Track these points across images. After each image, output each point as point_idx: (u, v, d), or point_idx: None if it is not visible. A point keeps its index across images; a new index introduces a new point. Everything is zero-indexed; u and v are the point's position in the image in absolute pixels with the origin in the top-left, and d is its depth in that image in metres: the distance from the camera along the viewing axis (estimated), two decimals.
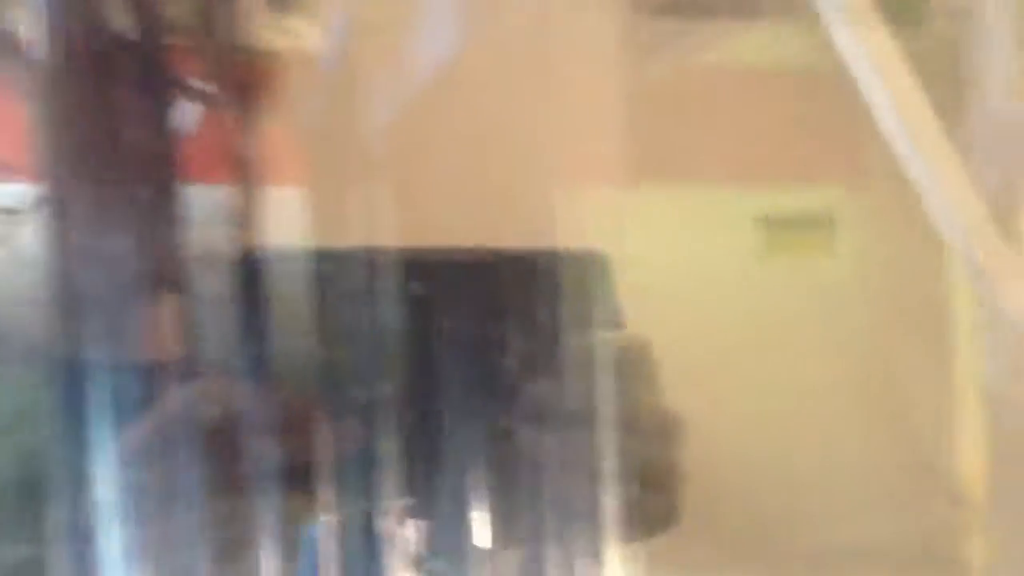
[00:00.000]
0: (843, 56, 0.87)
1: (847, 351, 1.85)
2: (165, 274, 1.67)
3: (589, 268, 0.87)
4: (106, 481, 0.81)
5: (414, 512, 0.81)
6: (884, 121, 0.87)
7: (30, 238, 1.47)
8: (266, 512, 0.79)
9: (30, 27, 1.49)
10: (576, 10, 1.29)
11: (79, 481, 0.85)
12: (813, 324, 1.71)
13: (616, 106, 1.30)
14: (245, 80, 1.86)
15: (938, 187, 0.85)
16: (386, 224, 1.06)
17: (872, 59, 0.83)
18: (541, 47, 1.33)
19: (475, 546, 0.80)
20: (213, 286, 0.97)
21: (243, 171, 1.30)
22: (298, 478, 0.79)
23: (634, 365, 0.93)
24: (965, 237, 0.86)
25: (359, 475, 0.80)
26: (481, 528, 0.80)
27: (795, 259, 1.85)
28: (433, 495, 0.82)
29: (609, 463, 0.77)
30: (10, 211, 1.88)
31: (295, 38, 1.92)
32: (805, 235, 1.85)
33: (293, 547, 0.80)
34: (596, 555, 0.88)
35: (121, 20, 1.64)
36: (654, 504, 0.90)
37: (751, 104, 1.38)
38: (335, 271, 0.90)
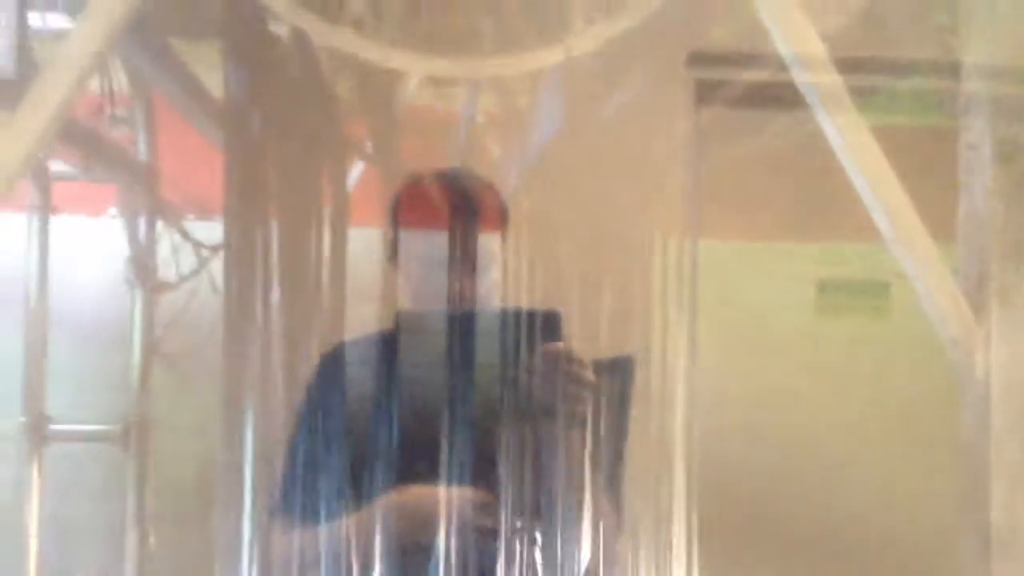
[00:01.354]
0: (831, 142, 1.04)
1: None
2: (328, 312, 2.00)
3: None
4: None
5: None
6: (868, 204, 1.03)
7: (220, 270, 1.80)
8: None
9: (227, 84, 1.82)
10: (653, 104, 1.51)
11: None
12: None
13: (684, 177, 1.51)
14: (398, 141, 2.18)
15: (915, 268, 1.00)
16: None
17: (850, 147, 0.99)
18: (629, 133, 1.57)
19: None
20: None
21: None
22: None
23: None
24: (940, 312, 1.01)
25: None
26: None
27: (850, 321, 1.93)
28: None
29: None
30: (203, 245, 2.31)
31: (447, 99, 2.25)
32: (860, 298, 1.92)
33: None
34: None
35: (302, 84, 1.98)
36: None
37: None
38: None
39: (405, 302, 1.26)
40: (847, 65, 1.08)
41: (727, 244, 2.38)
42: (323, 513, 1.12)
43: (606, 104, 1.63)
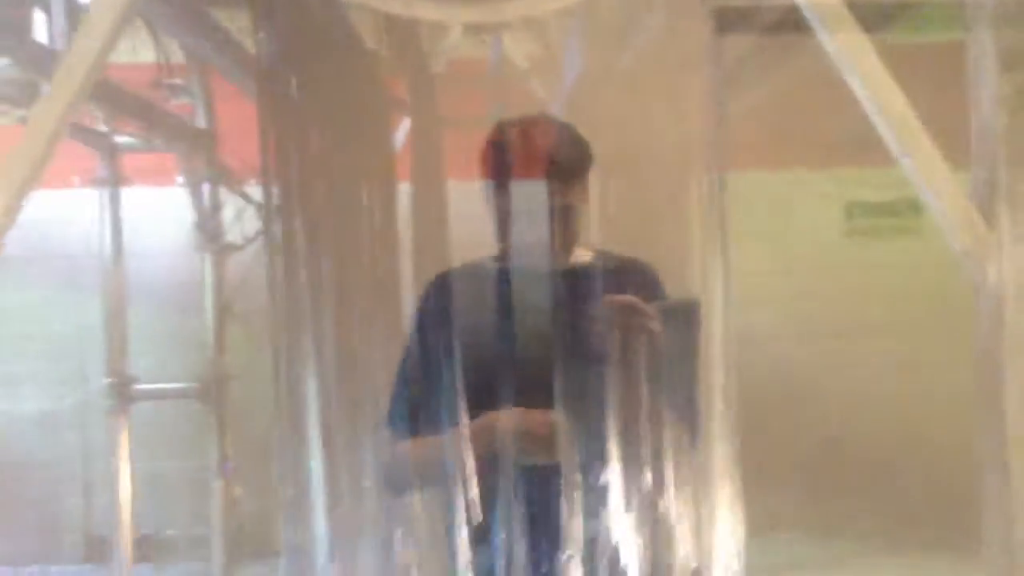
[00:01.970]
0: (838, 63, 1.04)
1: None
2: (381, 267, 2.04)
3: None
4: None
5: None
6: (875, 122, 1.04)
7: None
8: None
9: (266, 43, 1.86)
10: (675, 37, 1.53)
11: None
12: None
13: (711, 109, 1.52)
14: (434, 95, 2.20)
15: (924, 181, 1.01)
16: None
17: (855, 66, 1.00)
18: (655, 69, 1.59)
19: None
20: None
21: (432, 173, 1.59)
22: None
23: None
24: (951, 222, 1.02)
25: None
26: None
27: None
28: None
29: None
30: (260, 206, 2.33)
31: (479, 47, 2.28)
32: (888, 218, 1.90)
33: None
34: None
35: (345, 44, 2.04)
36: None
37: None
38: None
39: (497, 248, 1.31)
40: None
41: (761, 174, 2.38)
42: (428, 428, 1.21)
43: (630, 42, 1.64)
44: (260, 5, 1.56)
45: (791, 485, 2.68)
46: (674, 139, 1.51)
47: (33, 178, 1.11)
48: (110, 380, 2.77)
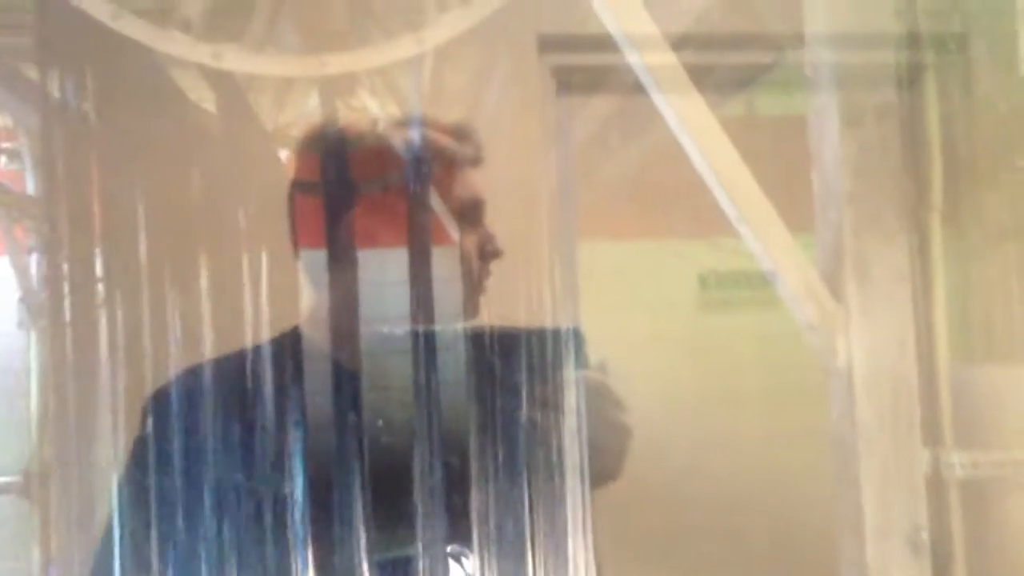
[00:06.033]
0: (673, 127, 0.95)
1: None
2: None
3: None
4: None
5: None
6: (713, 188, 0.95)
7: None
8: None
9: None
10: (517, 97, 1.43)
11: None
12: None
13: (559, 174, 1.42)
14: None
15: (766, 250, 0.92)
16: None
17: (692, 130, 0.91)
18: (497, 130, 1.48)
19: None
20: None
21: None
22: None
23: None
24: (796, 296, 0.93)
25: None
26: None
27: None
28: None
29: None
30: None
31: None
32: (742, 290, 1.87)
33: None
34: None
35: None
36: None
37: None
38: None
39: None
40: (686, 43, 1.00)
41: (617, 244, 2.33)
42: None
43: (477, 101, 1.55)
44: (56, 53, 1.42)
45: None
46: (520, 205, 1.42)
47: None
48: None
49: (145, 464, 0.98)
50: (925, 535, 0.96)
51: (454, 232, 1.15)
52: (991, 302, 1.59)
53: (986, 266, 1.66)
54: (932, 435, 1.11)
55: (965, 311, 1.66)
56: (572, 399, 0.97)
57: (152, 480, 0.97)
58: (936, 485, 1.10)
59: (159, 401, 1.00)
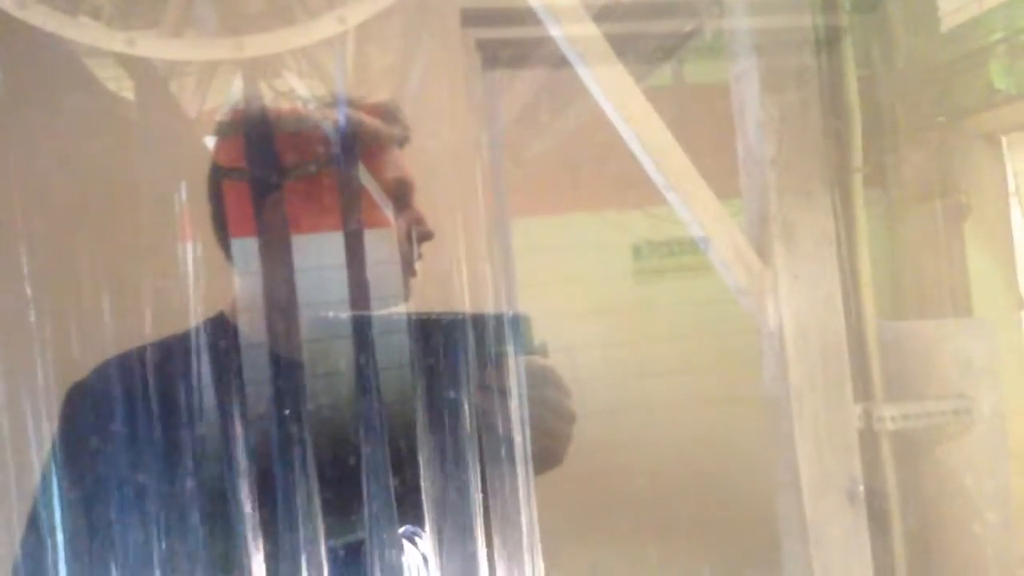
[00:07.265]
0: (599, 99, 0.95)
1: None
2: None
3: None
4: None
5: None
6: (640, 159, 0.95)
7: None
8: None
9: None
10: (443, 72, 1.42)
11: None
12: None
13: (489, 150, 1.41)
14: None
15: (694, 217, 0.93)
16: None
17: (617, 101, 0.91)
18: (425, 107, 1.47)
19: None
20: None
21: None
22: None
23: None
24: (726, 261, 0.94)
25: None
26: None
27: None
28: None
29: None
30: None
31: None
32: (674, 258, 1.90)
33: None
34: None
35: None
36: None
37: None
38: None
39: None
40: (607, 14, 0.99)
41: (551, 218, 2.34)
42: None
43: (403, 78, 1.53)
44: None
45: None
46: (450, 182, 1.41)
47: None
48: None
49: (65, 459, 0.94)
50: (861, 488, 0.98)
51: (389, 213, 1.13)
52: (916, 259, 1.63)
53: (910, 223, 1.70)
54: (863, 390, 1.14)
55: (891, 268, 1.70)
56: (515, 383, 0.97)
57: (74, 476, 0.93)
58: (869, 438, 1.13)
59: (77, 395, 0.96)
